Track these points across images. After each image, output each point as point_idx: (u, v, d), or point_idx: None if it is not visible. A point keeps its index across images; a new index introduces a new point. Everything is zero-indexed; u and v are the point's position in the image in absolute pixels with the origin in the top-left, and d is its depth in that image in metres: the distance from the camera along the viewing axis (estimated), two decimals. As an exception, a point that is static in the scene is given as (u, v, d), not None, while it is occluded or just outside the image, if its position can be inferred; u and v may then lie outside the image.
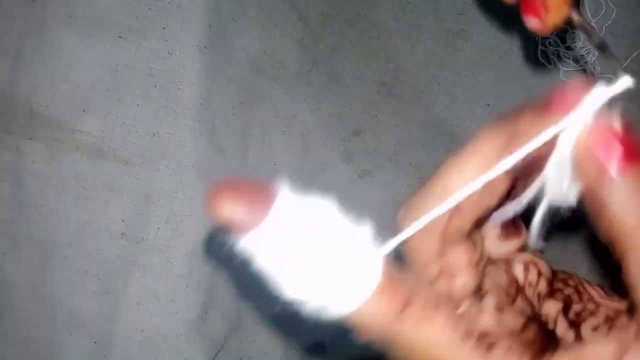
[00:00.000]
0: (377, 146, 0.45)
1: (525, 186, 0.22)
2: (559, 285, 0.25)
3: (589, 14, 0.44)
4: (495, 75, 0.45)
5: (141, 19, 0.40)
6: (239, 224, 0.18)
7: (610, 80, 0.19)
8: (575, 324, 0.23)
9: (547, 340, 0.20)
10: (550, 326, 0.23)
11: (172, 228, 0.41)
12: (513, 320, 0.21)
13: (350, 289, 0.19)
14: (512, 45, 0.45)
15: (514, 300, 0.23)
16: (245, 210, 0.18)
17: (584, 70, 0.45)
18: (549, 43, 0.45)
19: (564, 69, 0.45)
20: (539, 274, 0.24)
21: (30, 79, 0.40)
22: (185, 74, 0.41)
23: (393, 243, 0.20)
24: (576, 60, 0.45)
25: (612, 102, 0.19)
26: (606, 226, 0.19)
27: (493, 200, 0.21)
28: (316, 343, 0.46)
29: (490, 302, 0.21)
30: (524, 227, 0.24)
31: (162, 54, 0.40)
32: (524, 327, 0.20)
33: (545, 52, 0.45)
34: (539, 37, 0.44)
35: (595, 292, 0.24)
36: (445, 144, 0.45)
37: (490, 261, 0.24)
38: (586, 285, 0.25)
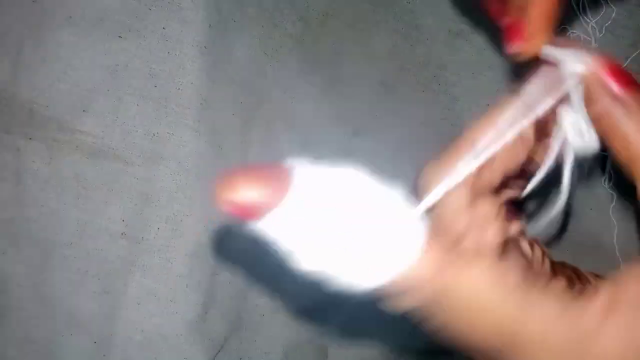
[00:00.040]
0: (377, 146, 0.45)
1: (547, 145, 0.23)
2: (558, 267, 0.26)
3: (589, 14, 0.44)
4: (495, 75, 0.45)
5: (141, 19, 0.40)
6: (258, 207, 0.17)
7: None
8: None
9: None
10: None
11: (172, 228, 0.41)
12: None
13: (395, 253, 0.18)
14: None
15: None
16: (264, 191, 0.17)
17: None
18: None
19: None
20: (543, 252, 0.25)
21: (30, 79, 0.40)
22: (185, 74, 0.41)
23: (428, 200, 0.20)
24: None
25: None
26: (621, 148, 0.21)
27: (522, 154, 0.22)
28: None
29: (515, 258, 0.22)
30: (521, 214, 0.25)
31: (162, 54, 0.40)
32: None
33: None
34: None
35: (589, 275, 0.26)
36: (445, 144, 0.45)
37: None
38: (579, 269, 0.26)
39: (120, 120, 0.40)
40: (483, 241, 0.22)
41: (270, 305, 0.45)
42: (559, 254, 0.31)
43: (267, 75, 0.44)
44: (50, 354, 0.40)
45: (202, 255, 0.41)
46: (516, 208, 0.25)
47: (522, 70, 0.25)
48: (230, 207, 0.17)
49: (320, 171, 0.18)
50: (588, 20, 0.44)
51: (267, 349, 0.45)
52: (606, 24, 0.44)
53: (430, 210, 0.21)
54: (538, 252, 0.25)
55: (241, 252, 0.42)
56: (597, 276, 0.27)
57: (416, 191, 0.21)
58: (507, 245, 0.23)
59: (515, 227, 0.25)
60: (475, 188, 0.22)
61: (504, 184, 0.24)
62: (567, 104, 0.22)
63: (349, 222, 0.18)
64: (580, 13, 0.44)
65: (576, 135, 0.23)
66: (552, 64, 0.23)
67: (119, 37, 0.40)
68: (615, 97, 0.21)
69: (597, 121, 0.22)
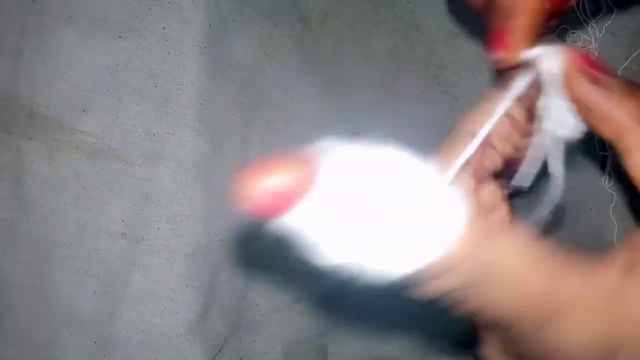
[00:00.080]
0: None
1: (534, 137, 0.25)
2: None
3: (589, 14, 0.44)
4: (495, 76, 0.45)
5: (141, 19, 0.40)
6: (286, 198, 0.16)
7: None
8: None
9: None
10: None
11: (172, 228, 0.41)
12: None
13: (436, 234, 0.17)
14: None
15: None
16: (292, 179, 0.16)
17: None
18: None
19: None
20: None
21: (30, 79, 0.40)
22: (185, 74, 0.41)
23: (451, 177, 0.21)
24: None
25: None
26: (606, 127, 0.23)
27: (516, 137, 0.24)
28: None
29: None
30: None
31: (162, 54, 0.40)
32: None
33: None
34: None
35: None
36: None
37: None
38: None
39: (120, 120, 0.40)
40: (497, 220, 0.23)
41: (270, 305, 0.45)
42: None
43: (267, 75, 0.44)
44: (50, 354, 0.40)
45: (202, 255, 0.41)
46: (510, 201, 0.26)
47: (505, 72, 0.26)
48: (256, 202, 0.16)
49: (350, 152, 0.17)
50: (588, 20, 0.44)
51: (267, 349, 0.45)
52: (606, 24, 0.44)
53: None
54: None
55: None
56: None
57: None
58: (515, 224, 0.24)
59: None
60: (478, 174, 0.23)
61: (500, 175, 0.25)
62: (548, 96, 0.24)
63: (385, 205, 0.17)
64: (580, 13, 0.44)
65: (560, 124, 0.24)
66: (531, 63, 0.25)
67: (119, 37, 0.40)
68: (592, 81, 0.23)
69: (580, 106, 0.24)
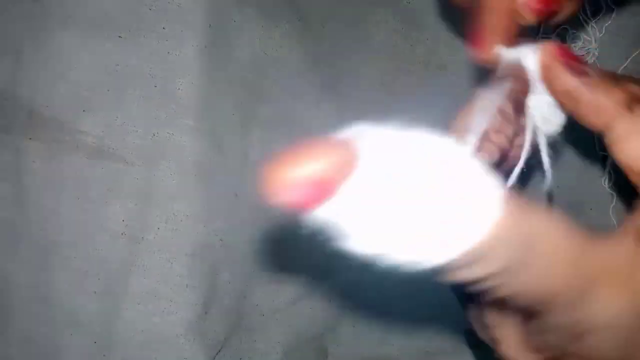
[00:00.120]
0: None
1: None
2: None
3: (589, 14, 0.44)
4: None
5: (141, 19, 0.40)
6: (323, 188, 0.15)
7: None
8: None
9: None
10: None
11: (172, 228, 0.41)
12: None
13: (475, 219, 0.17)
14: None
15: None
16: (328, 167, 0.15)
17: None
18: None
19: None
20: None
21: (30, 79, 0.40)
22: (185, 74, 0.41)
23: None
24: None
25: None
26: (592, 116, 0.23)
27: (508, 129, 0.24)
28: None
29: None
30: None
31: (162, 54, 0.40)
32: None
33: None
34: (539, 38, 0.44)
35: None
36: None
37: None
38: None
39: (120, 120, 0.40)
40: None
41: (270, 305, 0.45)
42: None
43: (267, 75, 0.44)
44: (50, 354, 0.40)
45: (202, 255, 0.41)
46: None
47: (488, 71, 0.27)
48: (289, 193, 0.15)
49: (387, 138, 0.16)
50: (588, 20, 0.44)
51: (267, 349, 0.45)
52: (606, 24, 0.44)
53: None
54: None
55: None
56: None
57: None
58: None
59: None
60: None
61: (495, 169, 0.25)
62: (533, 93, 0.25)
63: (424, 191, 0.16)
64: (580, 13, 0.44)
65: (544, 119, 0.25)
66: (514, 63, 0.26)
67: (119, 37, 0.40)
68: (575, 72, 0.23)
69: (565, 98, 0.24)
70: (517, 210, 0.18)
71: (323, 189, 0.15)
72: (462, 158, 0.17)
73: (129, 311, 0.40)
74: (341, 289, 0.46)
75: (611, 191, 0.44)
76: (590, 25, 0.44)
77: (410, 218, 0.16)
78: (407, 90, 0.46)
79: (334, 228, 0.16)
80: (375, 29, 0.46)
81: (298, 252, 0.44)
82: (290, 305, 0.45)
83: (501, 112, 0.24)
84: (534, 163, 0.26)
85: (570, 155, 0.43)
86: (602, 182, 0.44)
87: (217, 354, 0.43)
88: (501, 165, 0.26)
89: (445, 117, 0.46)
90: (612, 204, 0.44)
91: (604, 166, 0.44)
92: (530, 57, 0.25)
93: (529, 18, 0.27)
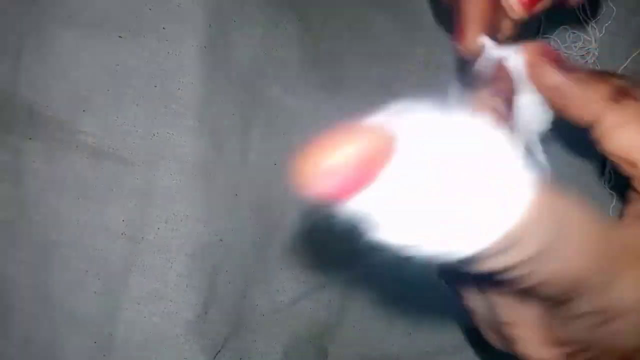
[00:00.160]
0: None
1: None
2: None
3: (589, 13, 0.44)
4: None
5: (141, 19, 0.40)
6: (360, 176, 0.14)
7: None
8: None
9: None
10: None
11: (172, 228, 0.41)
12: None
13: (509, 204, 0.16)
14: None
15: None
16: (366, 153, 0.14)
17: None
18: (549, 44, 0.45)
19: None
20: None
21: (30, 79, 0.40)
22: (185, 74, 0.41)
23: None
24: (575, 61, 0.45)
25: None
26: (580, 112, 0.24)
27: (500, 124, 0.25)
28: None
29: None
30: None
31: (162, 54, 0.40)
32: None
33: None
34: (539, 38, 0.45)
35: None
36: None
37: None
38: None
39: (120, 120, 0.40)
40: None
41: (270, 305, 0.45)
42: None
43: (267, 75, 0.44)
44: (50, 354, 0.40)
45: (202, 255, 0.41)
46: None
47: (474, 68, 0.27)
48: (325, 182, 0.14)
49: (421, 120, 0.15)
50: (588, 20, 0.44)
51: (267, 349, 0.45)
52: (606, 24, 0.44)
53: None
54: None
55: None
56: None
57: None
58: None
59: None
60: None
61: None
62: (519, 93, 0.25)
63: (461, 177, 0.15)
64: (580, 13, 0.44)
65: (532, 118, 0.25)
66: (497, 63, 0.26)
67: (119, 37, 0.40)
68: (560, 69, 0.24)
69: (552, 95, 0.24)
70: (548, 193, 0.18)
71: (361, 176, 0.14)
72: (495, 140, 0.16)
73: (129, 311, 0.40)
74: (343, 287, 0.46)
75: (611, 191, 0.44)
76: (590, 25, 0.44)
77: (445, 204, 0.15)
78: (407, 90, 0.46)
79: (368, 218, 0.15)
80: (375, 29, 0.46)
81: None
82: (290, 305, 0.45)
83: (495, 111, 0.24)
84: (530, 163, 0.26)
85: (569, 155, 0.43)
86: (602, 182, 0.44)
87: (217, 354, 0.43)
88: None
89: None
90: (612, 204, 0.44)
91: (604, 166, 0.44)
92: (513, 57, 0.25)
93: (520, 13, 0.27)
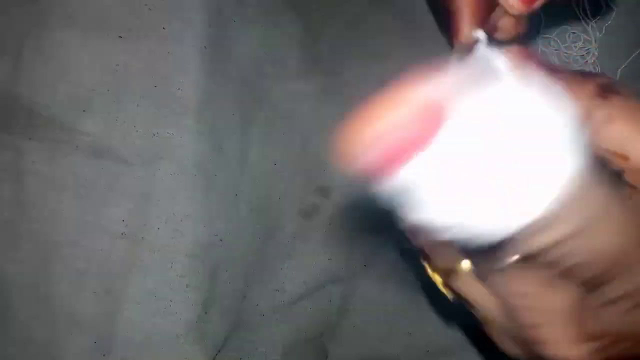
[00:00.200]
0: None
1: None
2: None
3: (589, 13, 0.44)
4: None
5: (141, 19, 0.40)
6: (407, 148, 0.13)
7: None
8: None
9: None
10: None
11: (172, 228, 0.41)
12: None
13: (555, 179, 0.16)
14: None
15: None
16: (414, 126, 0.13)
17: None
18: (549, 44, 0.45)
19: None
20: None
21: (30, 79, 0.40)
22: (185, 74, 0.41)
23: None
24: (575, 61, 0.45)
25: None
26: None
27: None
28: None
29: None
30: None
31: (162, 54, 0.40)
32: None
33: (545, 53, 0.45)
34: (539, 38, 0.45)
35: None
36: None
37: None
38: None
39: (120, 120, 0.40)
40: None
41: (270, 305, 0.45)
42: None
43: (267, 75, 0.44)
44: (50, 354, 0.40)
45: (202, 255, 0.41)
46: None
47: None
48: (371, 152, 0.13)
49: (470, 90, 0.15)
50: (588, 20, 0.44)
51: (267, 349, 0.45)
52: (606, 24, 0.44)
53: None
54: None
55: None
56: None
57: None
58: None
59: None
60: None
61: None
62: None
63: (506, 150, 0.15)
64: (580, 13, 0.44)
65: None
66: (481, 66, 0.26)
67: (119, 37, 0.40)
68: (545, 70, 0.24)
69: None
70: (587, 169, 0.18)
71: (409, 147, 0.14)
72: (542, 112, 0.16)
73: (129, 311, 0.40)
74: (344, 287, 0.46)
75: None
76: (590, 25, 0.44)
77: (491, 179, 0.15)
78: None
79: (413, 193, 0.14)
80: (375, 29, 0.46)
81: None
82: (290, 305, 0.45)
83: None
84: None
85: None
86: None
87: (217, 354, 0.43)
88: None
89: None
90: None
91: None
92: (498, 60, 0.25)
93: (519, 8, 0.27)
